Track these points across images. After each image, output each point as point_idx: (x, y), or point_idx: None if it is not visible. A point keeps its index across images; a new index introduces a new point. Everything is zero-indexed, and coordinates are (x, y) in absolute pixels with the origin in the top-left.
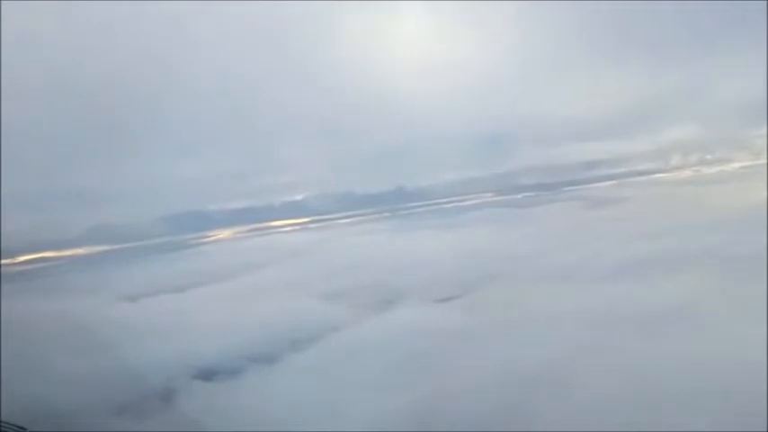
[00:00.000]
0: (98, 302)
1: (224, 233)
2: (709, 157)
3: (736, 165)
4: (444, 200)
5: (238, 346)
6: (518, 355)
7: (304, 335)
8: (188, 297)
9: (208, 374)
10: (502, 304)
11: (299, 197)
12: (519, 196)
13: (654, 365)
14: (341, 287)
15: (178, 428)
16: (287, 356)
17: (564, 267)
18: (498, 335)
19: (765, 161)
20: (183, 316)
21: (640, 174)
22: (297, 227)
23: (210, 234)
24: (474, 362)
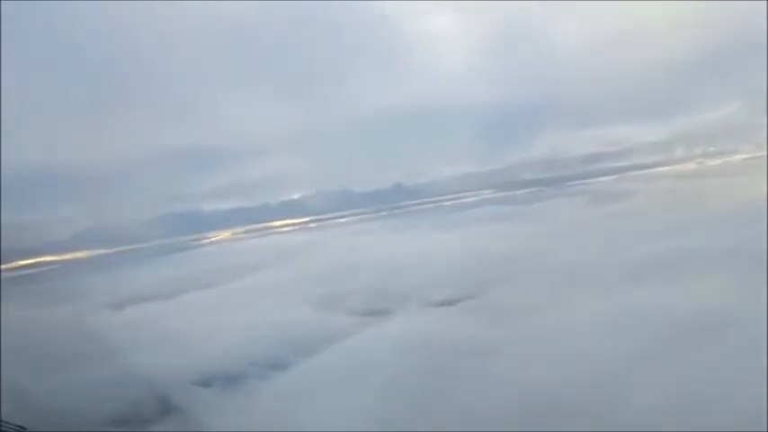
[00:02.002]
0: (89, 309)
1: (220, 235)
2: (712, 149)
3: (740, 156)
4: (443, 197)
5: (221, 359)
6: (535, 371)
7: (295, 347)
8: (181, 303)
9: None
10: (511, 310)
11: (295, 196)
12: (520, 192)
13: (699, 383)
14: (336, 291)
15: None
16: (272, 374)
17: (577, 267)
18: (509, 346)
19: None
20: (175, 323)
21: (644, 167)
22: (293, 227)
23: (207, 236)
24: (483, 378)
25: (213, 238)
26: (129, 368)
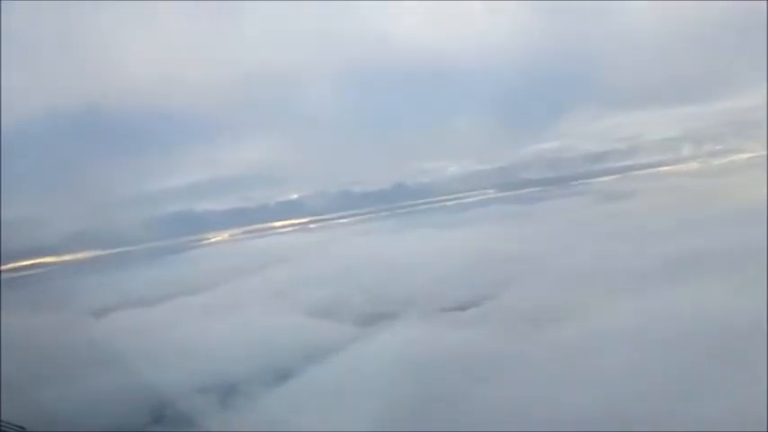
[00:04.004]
0: (82, 314)
1: (218, 236)
2: (719, 147)
3: (746, 155)
4: (446, 197)
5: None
6: (558, 390)
7: (288, 359)
8: (174, 308)
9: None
10: (524, 318)
11: (294, 196)
12: (524, 191)
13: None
14: (336, 296)
15: None
16: (259, 391)
17: (589, 270)
18: (525, 362)
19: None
20: (169, 329)
21: (647, 166)
22: (292, 228)
23: (205, 237)
24: (495, 399)
25: (212, 239)
26: (122, 374)
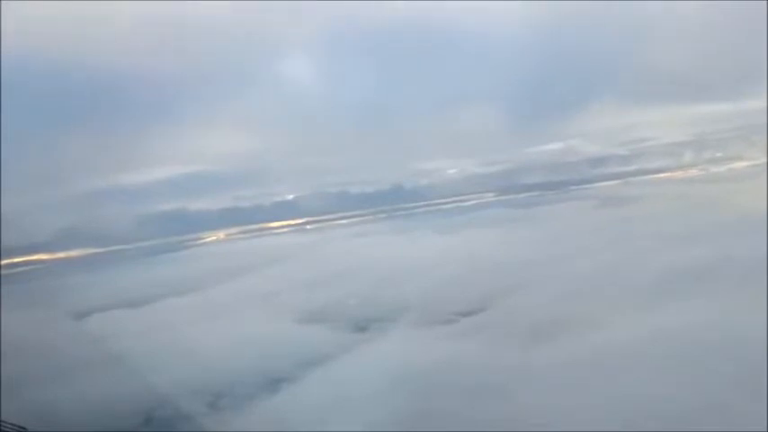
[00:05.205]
0: (65, 316)
1: (214, 235)
2: (719, 154)
3: (745, 163)
4: (444, 200)
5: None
6: (558, 401)
7: (278, 366)
8: (160, 310)
9: None
10: (527, 328)
11: (289, 196)
12: (522, 195)
13: None
14: (330, 301)
15: None
16: (247, 397)
17: (589, 277)
18: (523, 372)
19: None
20: (154, 332)
21: (647, 172)
22: (289, 228)
23: (201, 236)
24: (498, 420)
25: (207, 239)
26: (111, 375)
